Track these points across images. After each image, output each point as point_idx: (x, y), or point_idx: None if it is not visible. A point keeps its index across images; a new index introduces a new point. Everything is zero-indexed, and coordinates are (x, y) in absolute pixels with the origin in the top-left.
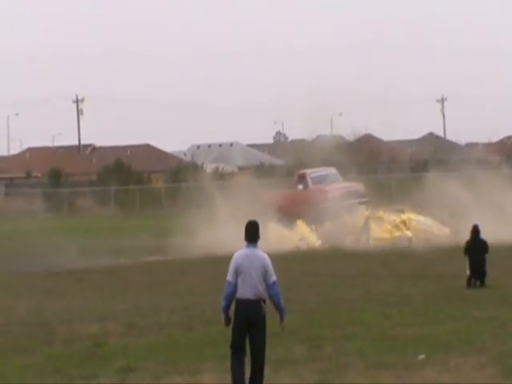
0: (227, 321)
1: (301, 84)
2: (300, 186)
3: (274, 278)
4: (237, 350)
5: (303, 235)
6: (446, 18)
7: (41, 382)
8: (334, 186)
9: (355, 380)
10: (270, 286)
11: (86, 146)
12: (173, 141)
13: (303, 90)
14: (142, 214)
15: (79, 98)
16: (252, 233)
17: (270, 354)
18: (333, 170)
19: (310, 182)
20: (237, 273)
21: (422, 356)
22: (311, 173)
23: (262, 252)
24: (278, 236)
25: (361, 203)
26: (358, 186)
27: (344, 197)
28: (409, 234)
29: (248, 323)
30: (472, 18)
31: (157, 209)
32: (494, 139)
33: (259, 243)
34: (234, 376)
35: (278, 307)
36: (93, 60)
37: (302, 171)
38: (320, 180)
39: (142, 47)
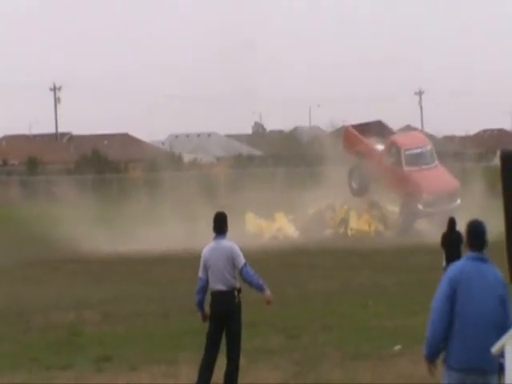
0: (203, 316)
1: (281, 76)
2: (391, 159)
3: (243, 261)
4: (212, 341)
5: (281, 226)
6: (425, 13)
7: (17, 371)
8: (430, 183)
9: (331, 370)
10: (241, 271)
11: (64, 135)
12: (151, 130)
13: (283, 82)
14: (118, 203)
15: (57, 85)
16: (220, 224)
17: (247, 344)
18: (429, 147)
19: (403, 160)
20: (206, 267)
21: (398, 346)
22: (406, 148)
23: (228, 241)
24: (256, 227)
25: (451, 210)
26: (455, 183)
27: (438, 202)
28: (385, 226)
29: (222, 314)
30: (449, 11)
31: (133, 198)
32: (471, 132)
33: (234, 233)
34: (202, 364)
35: (256, 286)
36: (72, 48)
37: (395, 138)
38: (415, 160)
39: (123, 35)
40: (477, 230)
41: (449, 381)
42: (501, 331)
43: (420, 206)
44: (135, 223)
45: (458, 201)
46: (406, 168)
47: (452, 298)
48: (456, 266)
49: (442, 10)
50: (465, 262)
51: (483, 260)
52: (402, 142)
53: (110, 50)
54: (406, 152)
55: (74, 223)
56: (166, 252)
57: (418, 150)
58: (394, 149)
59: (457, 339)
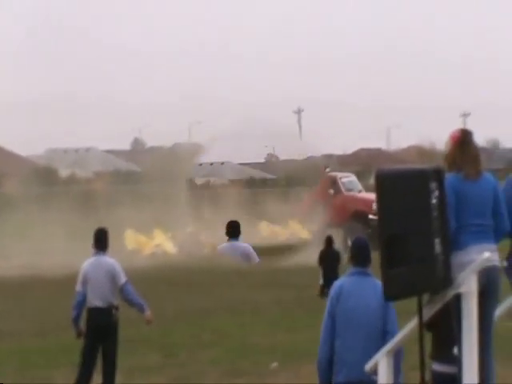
0: (78, 333)
1: (165, 89)
2: (331, 191)
3: (123, 279)
4: (87, 358)
5: (160, 243)
6: (302, 29)
7: None
8: (372, 197)
9: None
10: (121, 289)
11: None
12: (27, 144)
13: (167, 96)
14: None
15: None
16: (100, 240)
17: (123, 361)
18: (354, 177)
19: (342, 187)
20: (85, 282)
21: (274, 364)
22: (341, 177)
23: (109, 258)
24: (135, 243)
25: None
26: None
27: None
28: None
29: (99, 331)
30: (328, 28)
31: (4, 215)
32: (349, 151)
33: (113, 250)
34: (78, 381)
35: (136, 305)
36: None
37: (331, 174)
38: (350, 186)
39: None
40: (359, 247)
41: None
42: (381, 342)
43: (372, 216)
44: (5, 240)
45: None
46: (346, 193)
47: (334, 315)
48: (337, 283)
49: (319, 24)
50: (345, 277)
51: (364, 274)
52: (335, 173)
53: None
54: (342, 180)
55: None
56: (41, 269)
57: (350, 179)
58: (330, 181)
59: (340, 354)
